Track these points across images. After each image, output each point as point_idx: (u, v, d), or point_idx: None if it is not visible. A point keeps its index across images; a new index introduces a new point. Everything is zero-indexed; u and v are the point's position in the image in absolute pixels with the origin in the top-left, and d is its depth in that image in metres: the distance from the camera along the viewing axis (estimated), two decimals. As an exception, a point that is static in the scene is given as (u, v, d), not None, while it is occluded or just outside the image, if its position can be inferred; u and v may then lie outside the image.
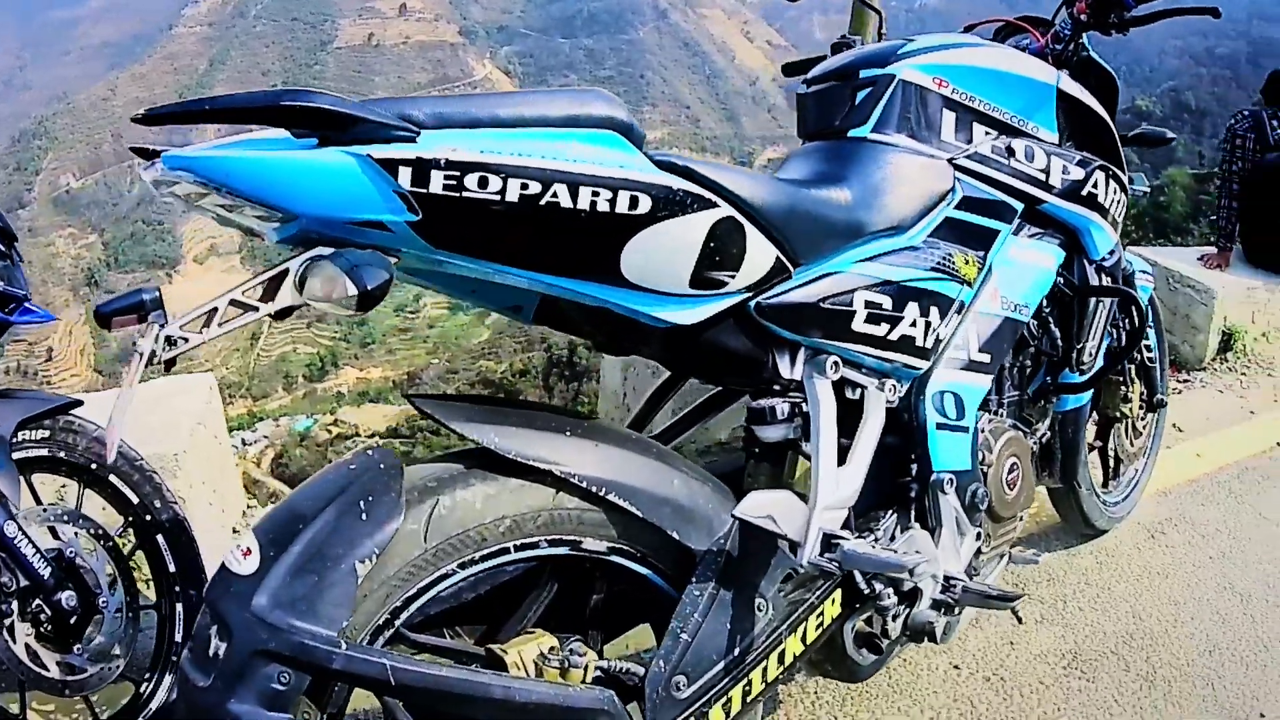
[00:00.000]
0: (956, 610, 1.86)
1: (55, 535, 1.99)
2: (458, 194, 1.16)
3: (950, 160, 1.95)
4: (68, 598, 1.91)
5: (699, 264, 1.37)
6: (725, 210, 1.38)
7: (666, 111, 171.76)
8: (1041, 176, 2.13)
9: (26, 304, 1.97)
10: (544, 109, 1.24)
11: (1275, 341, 5.67)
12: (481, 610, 1.47)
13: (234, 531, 3.19)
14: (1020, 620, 1.96)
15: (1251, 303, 5.58)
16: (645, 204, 1.27)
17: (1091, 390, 2.57)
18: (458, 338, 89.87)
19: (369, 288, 1.13)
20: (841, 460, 1.63)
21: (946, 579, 1.82)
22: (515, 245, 1.24)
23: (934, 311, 1.80)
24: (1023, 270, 2.12)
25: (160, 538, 2.17)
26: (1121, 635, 2.64)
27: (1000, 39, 2.58)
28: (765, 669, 1.55)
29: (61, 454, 2.03)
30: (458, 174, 1.15)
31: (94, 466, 2.07)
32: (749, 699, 1.54)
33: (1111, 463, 3.04)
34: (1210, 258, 5.80)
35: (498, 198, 1.17)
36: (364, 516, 1.21)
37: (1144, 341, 2.92)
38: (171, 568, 2.18)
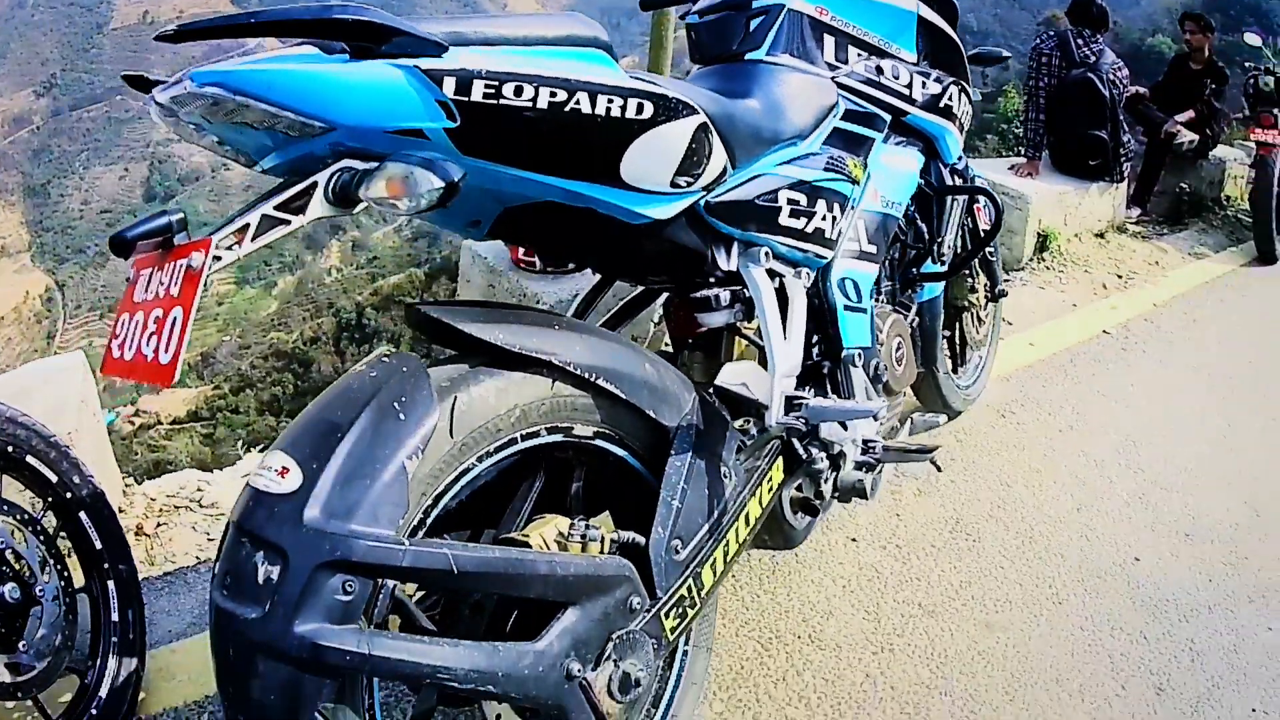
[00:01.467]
0: (878, 469, 2.15)
1: None
2: (496, 101, 1.30)
3: (832, 78, 2.24)
4: (10, 590, 1.80)
5: (680, 165, 1.59)
6: (702, 117, 1.61)
7: None
8: (905, 91, 2.45)
9: None
10: (540, 30, 1.41)
11: (1087, 242, 6.20)
12: (465, 513, 1.55)
13: (119, 511, 3.23)
14: (940, 469, 2.27)
15: (1063, 207, 6.08)
16: (649, 109, 1.48)
17: (946, 280, 2.92)
18: (246, 312, 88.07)
19: (455, 179, 1.26)
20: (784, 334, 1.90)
21: (865, 442, 2.11)
22: (538, 150, 1.40)
23: (836, 207, 2.09)
24: (894, 173, 2.44)
25: (83, 515, 2.05)
26: (995, 502, 2.99)
27: None
28: (737, 530, 1.76)
29: None
30: (497, 83, 1.29)
31: (10, 449, 1.93)
32: (729, 559, 1.74)
33: (959, 349, 3.40)
34: (1020, 167, 6.29)
35: (530, 104, 1.33)
36: (402, 417, 1.27)
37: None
38: (98, 545, 2.07)
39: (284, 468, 1.22)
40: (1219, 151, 7.85)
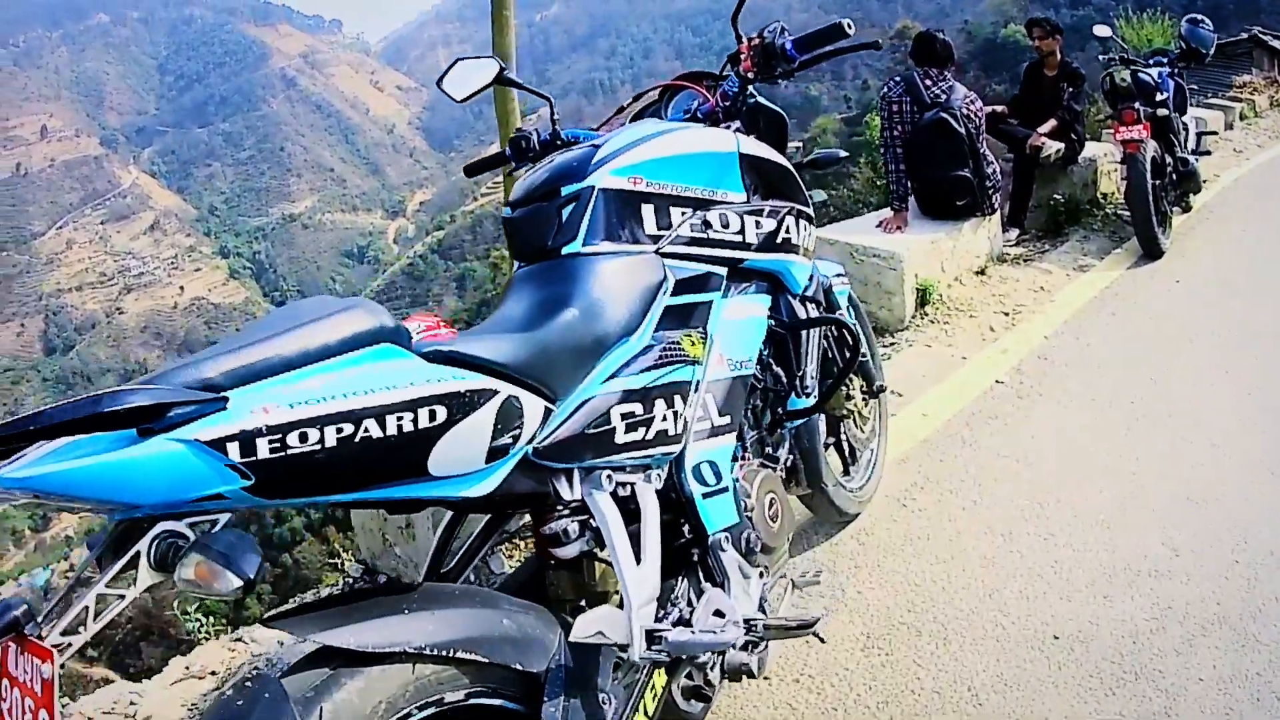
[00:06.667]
0: (763, 645, 2.20)
1: None
2: (284, 453, 1.34)
3: (657, 251, 2.22)
4: None
5: (492, 443, 1.64)
6: (504, 390, 1.66)
7: (312, 179, 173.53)
8: (739, 238, 2.43)
9: None
10: (324, 337, 1.46)
11: (969, 282, 6.36)
12: None
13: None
14: (823, 640, 2.31)
15: (938, 254, 6.21)
16: (442, 413, 1.53)
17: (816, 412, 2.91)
18: None
19: (251, 576, 1.32)
20: (637, 558, 1.93)
21: (747, 622, 2.13)
22: (338, 479, 1.45)
23: (678, 400, 2.12)
24: (740, 328, 2.44)
25: None
26: (904, 605, 3.05)
27: (667, 100, 2.96)
28: None
29: None
30: (280, 435, 1.33)
31: None
32: None
33: (847, 452, 3.45)
34: (888, 221, 6.38)
35: (319, 447, 1.38)
36: None
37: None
38: None
39: None
40: (1087, 151, 8.11)
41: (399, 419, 1.47)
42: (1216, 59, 10.46)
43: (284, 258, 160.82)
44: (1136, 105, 7.10)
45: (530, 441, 1.77)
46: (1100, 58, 8.15)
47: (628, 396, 2.00)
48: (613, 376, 2.00)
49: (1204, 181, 8.46)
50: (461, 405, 1.57)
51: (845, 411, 3.35)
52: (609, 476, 1.97)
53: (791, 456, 2.90)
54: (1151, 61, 8.23)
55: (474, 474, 1.66)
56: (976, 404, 4.58)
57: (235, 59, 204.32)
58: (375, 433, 1.44)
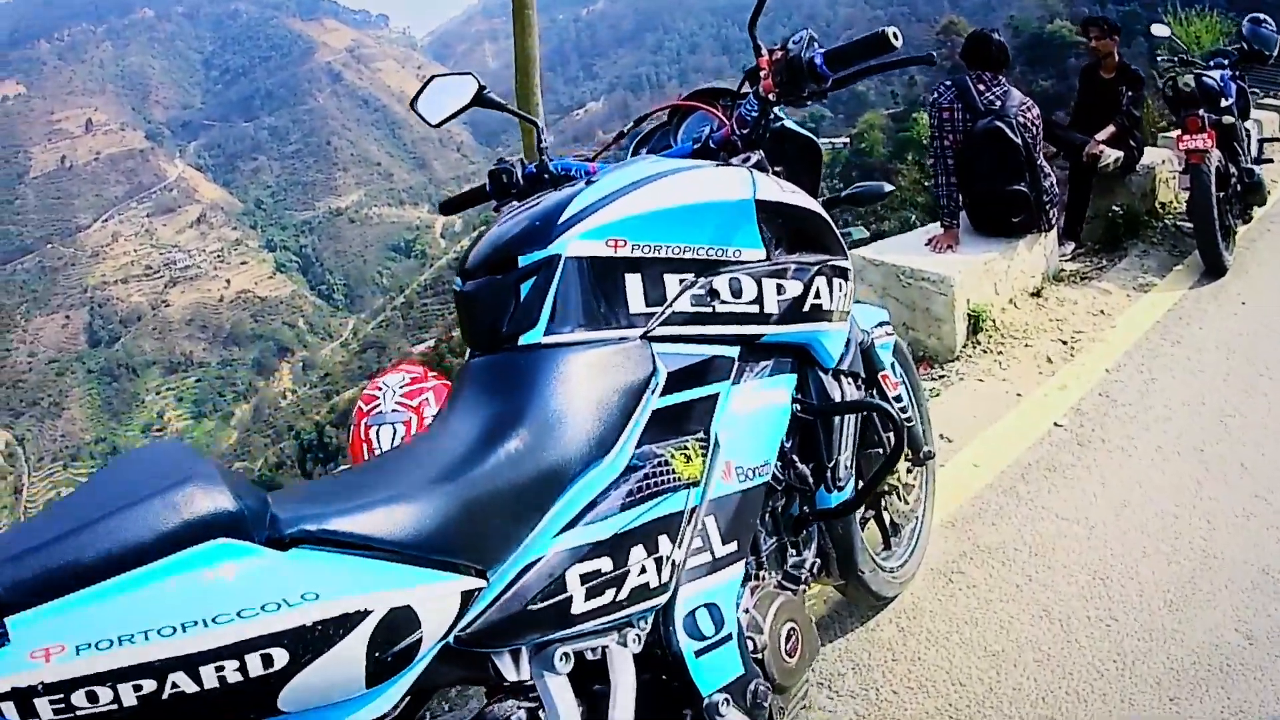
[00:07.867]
0: None
1: None
2: (72, 715, 0.99)
3: (645, 335, 1.74)
4: None
5: (370, 671, 1.19)
6: (382, 606, 1.19)
7: (359, 173, 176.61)
8: (755, 309, 1.94)
9: None
10: (136, 533, 1.04)
11: (1024, 305, 5.93)
12: None
13: None
14: None
15: (991, 275, 5.76)
16: (283, 657, 1.09)
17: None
18: (208, 445, 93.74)
19: None
20: None
21: None
22: None
23: (663, 541, 1.64)
24: (754, 423, 1.96)
25: None
26: (944, 710, 2.64)
27: (677, 123, 2.56)
28: None
29: None
30: (63, 696, 0.99)
31: None
32: None
33: (889, 526, 3.01)
34: (938, 239, 5.91)
35: (115, 708, 1.01)
36: None
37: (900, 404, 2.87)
38: None
39: None
40: (1144, 158, 7.72)
41: (219, 670, 1.05)
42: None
43: (330, 251, 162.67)
44: (1201, 112, 6.64)
45: (448, 634, 1.31)
46: (1158, 58, 7.83)
47: (592, 551, 1.52)
48: (571, 525, 1.52)
49: (1267, 192, 7.98)
50: (310, 644, 1.12)
51: (887, 487, 2.92)
52: (565, 655, 1.51)
53: (821, 554, 2.43)
54: (1212, 63, 7.73)
55: (356, 699, 1.21)
56: (1033, 452, 4.14)
57: (280, 53, 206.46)
58: (188, 688, 1.04)
